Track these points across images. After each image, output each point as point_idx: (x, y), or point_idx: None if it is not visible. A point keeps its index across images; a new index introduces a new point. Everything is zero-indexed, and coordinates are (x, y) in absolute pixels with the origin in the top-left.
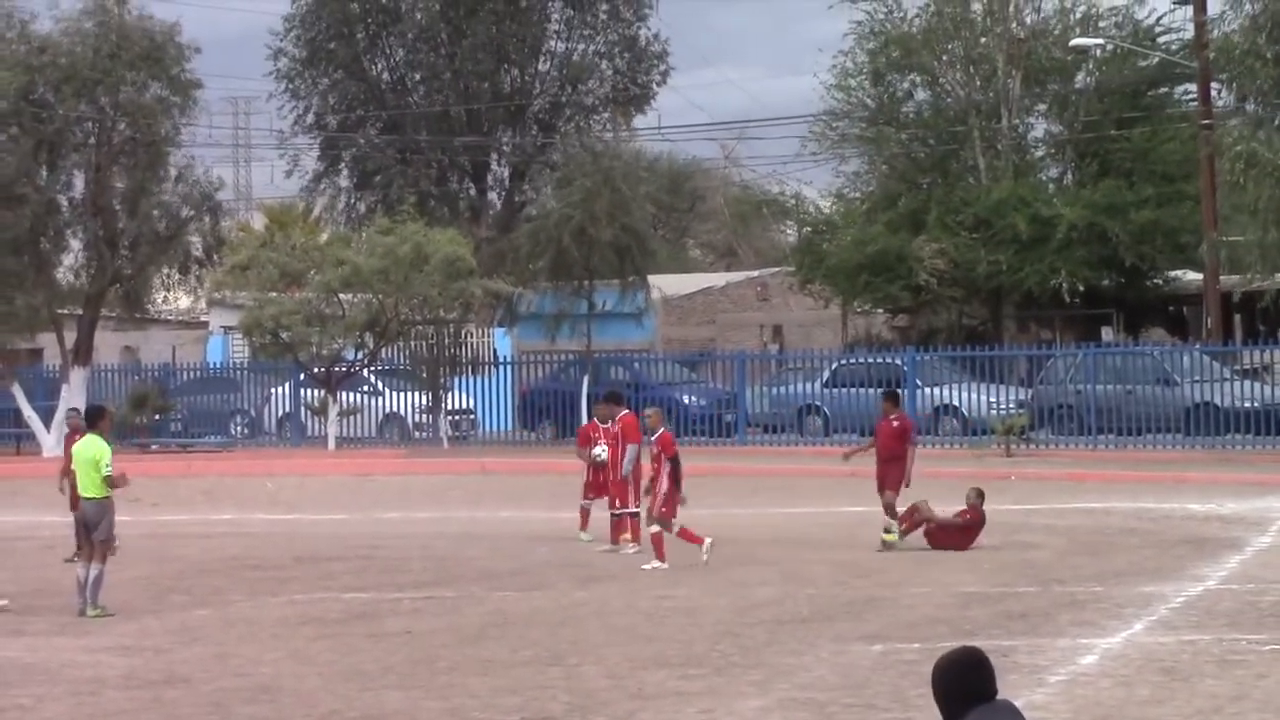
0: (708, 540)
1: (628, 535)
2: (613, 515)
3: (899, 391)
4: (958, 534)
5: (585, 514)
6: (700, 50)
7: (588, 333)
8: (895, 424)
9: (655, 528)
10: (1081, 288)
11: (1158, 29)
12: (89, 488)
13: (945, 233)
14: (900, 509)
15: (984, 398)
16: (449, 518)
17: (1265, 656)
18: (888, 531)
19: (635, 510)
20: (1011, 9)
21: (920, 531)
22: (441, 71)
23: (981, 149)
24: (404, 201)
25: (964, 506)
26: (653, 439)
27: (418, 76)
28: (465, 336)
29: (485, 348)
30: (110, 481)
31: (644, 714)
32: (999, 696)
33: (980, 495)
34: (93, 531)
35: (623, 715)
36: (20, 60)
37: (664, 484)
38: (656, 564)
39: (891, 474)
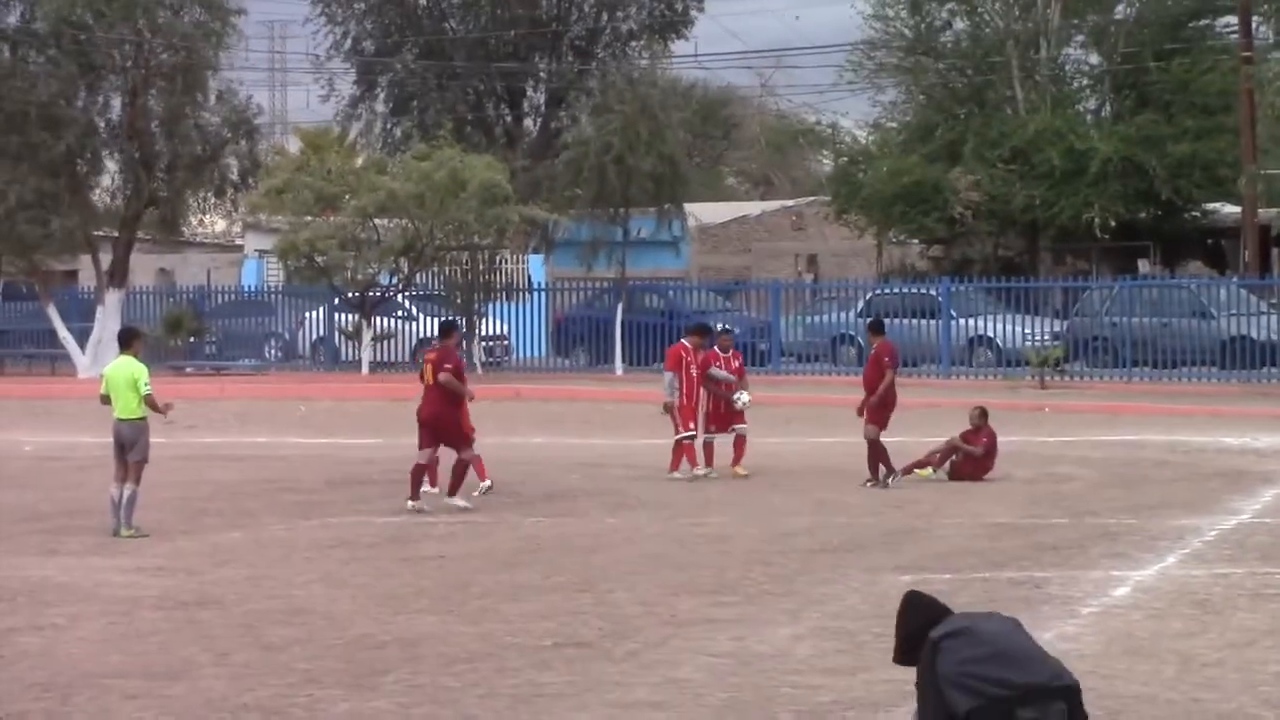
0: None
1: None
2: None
3: (881, 320)
4: (982, 462)
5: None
6: None
7: (622, 261)
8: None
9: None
10: (1113, 223)
11: None
12: (126, 409)
13: (981, 164)
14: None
15: (1019, 329)
16: (481, 443)
17: None
18: (920, 469)
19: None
20: None
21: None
22: None
23: (1019, 80)
24: (440, 127)
25: (969, 428)
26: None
27: (455, 1)
28: (500, 263)
29: (520, 274)
30: (150, 401)
31: (676, 640)
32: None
33: (984, 415)
34: (129, 452)
35: (655, 641)
36: None
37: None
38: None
39: (875, 407)
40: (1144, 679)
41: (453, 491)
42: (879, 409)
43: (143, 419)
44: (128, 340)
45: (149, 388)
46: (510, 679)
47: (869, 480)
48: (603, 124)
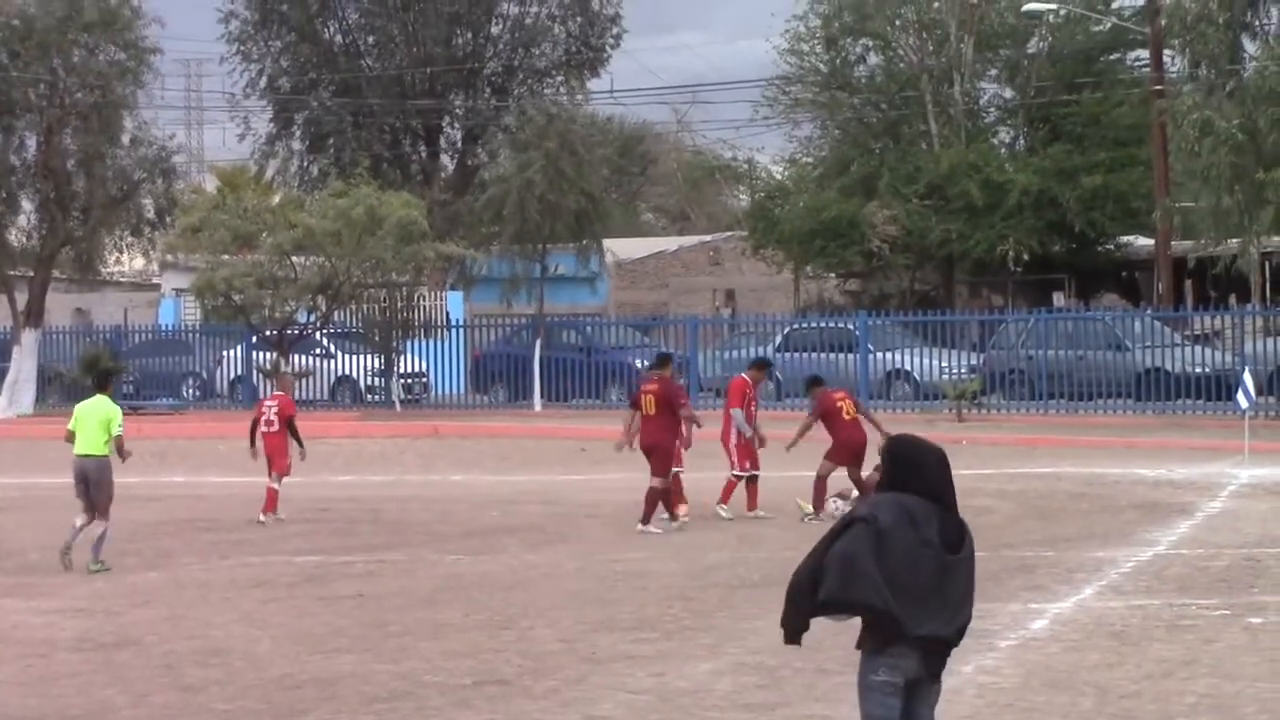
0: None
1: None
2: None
3: (817, 376)
4: None
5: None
6: (656, 14)
7: (540, 296)
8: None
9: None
10: (1026, 256)
11: None
12: (93, 445)
13: (897, 199)
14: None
15: (936, 363)
16: (401, 481)
17: (1215, 621)
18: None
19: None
20: None
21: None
22: (394, 35)
23: (934, 114)
24: (357, 164)
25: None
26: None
27: (370, 40)
28: (418, 300)
29: (438, 311)
30: (119, 444)
31: (596, 677)
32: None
33: None
34: (93, 489)
35: (575, 678)
36: None
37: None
38: (267, 517)
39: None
40: (1062, 711)
41: (646, 519)
42: (834, 449)
43: (106, 456)
44: (103, 382)
45: (121, 429)
46: (430, 717)
47: (809, 515)
48: (525, 161)
